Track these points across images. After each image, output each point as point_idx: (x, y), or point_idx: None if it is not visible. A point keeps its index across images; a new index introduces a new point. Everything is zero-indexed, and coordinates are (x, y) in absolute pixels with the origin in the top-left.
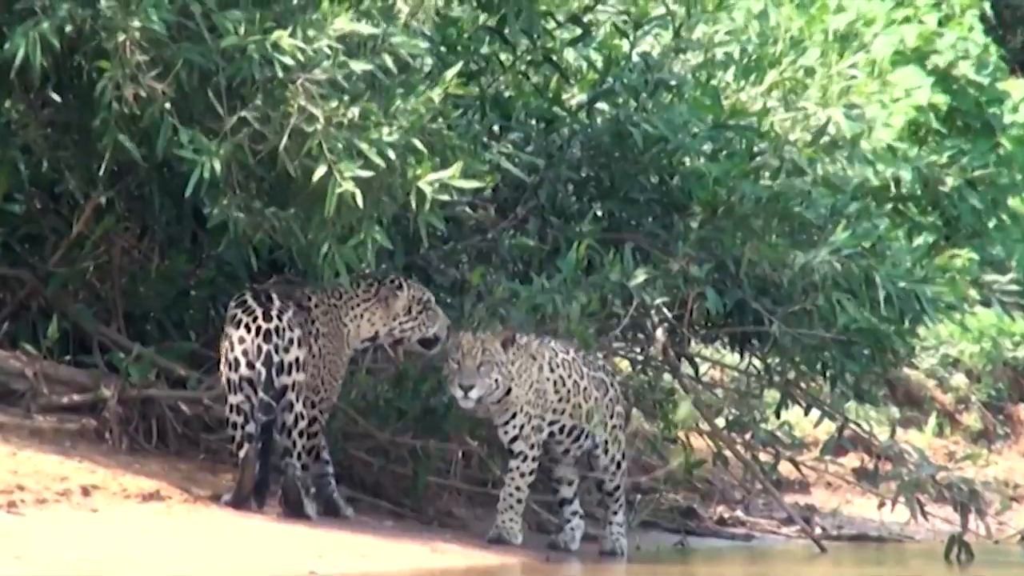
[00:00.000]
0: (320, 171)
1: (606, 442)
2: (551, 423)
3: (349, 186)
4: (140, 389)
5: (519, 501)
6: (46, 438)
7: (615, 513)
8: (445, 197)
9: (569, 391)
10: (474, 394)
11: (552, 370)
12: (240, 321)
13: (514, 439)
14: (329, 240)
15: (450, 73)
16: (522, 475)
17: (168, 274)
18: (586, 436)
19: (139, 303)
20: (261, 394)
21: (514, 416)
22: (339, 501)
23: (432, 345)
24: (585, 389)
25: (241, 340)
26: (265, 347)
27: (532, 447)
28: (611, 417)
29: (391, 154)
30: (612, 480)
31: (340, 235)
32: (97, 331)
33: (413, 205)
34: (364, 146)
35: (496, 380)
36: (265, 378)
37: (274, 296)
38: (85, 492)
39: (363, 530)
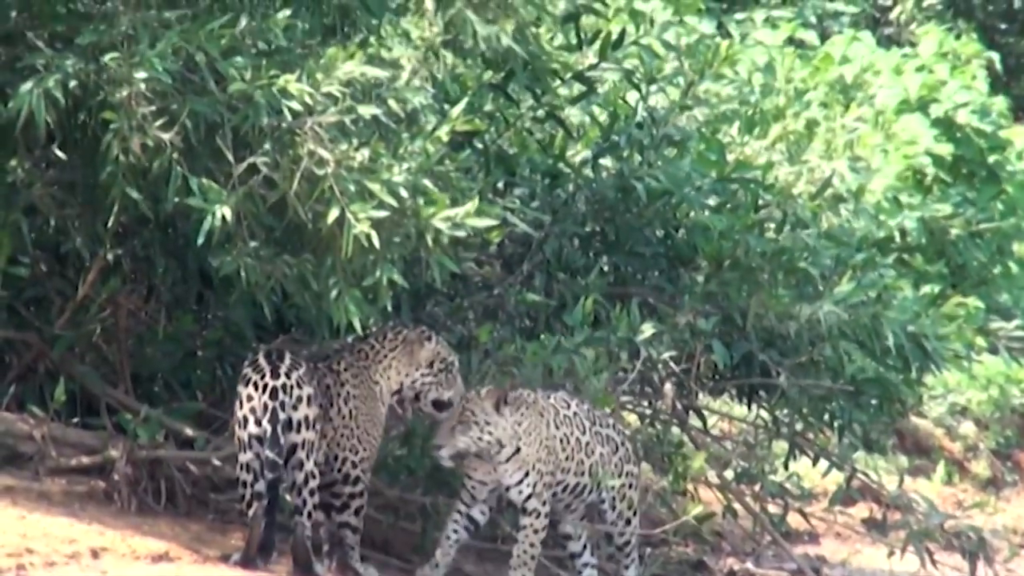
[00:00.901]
0: (333, 214)
1: (613, 498)
2: (558, 482)
3: (364, 227)
4: (148, 450)
5: (532, 558)
6: (54, 500)
7: (626, 568)
8: (460, 234)
9: (573, 448)
10: (444, 453)
11: (557, 427)
12: (249, 379)
13: (528, 497)
14: (340, 285)
15: (456, 110)
16: (535, 532)
17: (174, 335)
18: (590, 491)
19: (146, 364)
20: (266, 451)
21: (527, 475)
22: (358, 565)
23: (445, 409)
24: (588, 444)
25: (249, 398)
26: (271, 404)
27: (544, 503)
28: (620, 475)
29: (403, 193)
30: (621, 535)
31: (352, 280)
32: (104, 393)
33: (429, 243)
34: (375, 187)
35: (479, 439)
36: (271, 435)
37: (286, 355)
38: (94, 554)
39: None
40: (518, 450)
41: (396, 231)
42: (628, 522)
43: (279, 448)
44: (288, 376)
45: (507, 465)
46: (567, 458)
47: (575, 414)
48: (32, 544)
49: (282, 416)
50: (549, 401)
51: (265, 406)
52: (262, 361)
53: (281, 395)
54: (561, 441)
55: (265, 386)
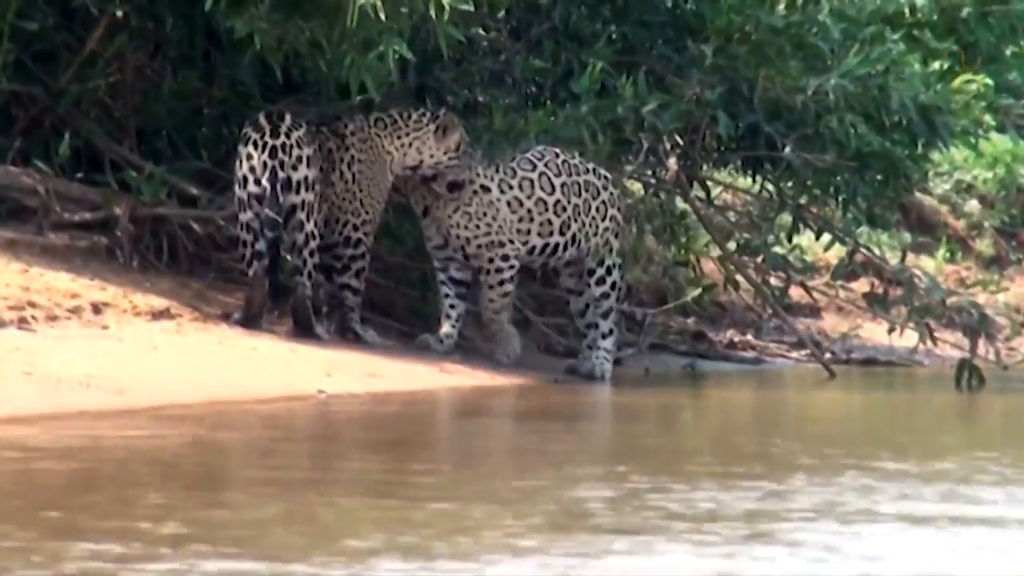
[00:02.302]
0: None
1: (598, 247)
2: (524, 244)
3: None
4: (151, 207)
5: (496, 312)
6: (57, 255)
7: (604, 336)
8: (465, 7)
9: (530, 211)
10: None
11: (503, 192)
12: (249, 138)
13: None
14: (351, 52)
15: None
16: (490, 288)
17: (180, 92)
18: (564, 248)
19: (151, 122)
20: (265, 210)
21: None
22: (358, 327)
23: (457, 189)
24: (557, 203)
25: (248, 157)
26: (271, 163)
27: (496, 261)
28: (604, 219)
29: None
30: (604, 299)
31: (361, 48)
32: (109, 149)
33: (432, 15)
34: None
35: None
36: (270, 194)
37: (287, 115)
38: (95, 309)
39: (372, 351)
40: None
41: (403, 3)
42: (613, 285)
43: (278, 207)
44: (288, 136)
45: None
46: (520, 219)
47: (540, 174)
48: (34, 298)
49: (281, 175)
50: (508, 165)
51: (264, 164)
52: (263, 120)
53: (280, 154)
54: (510, 204)
55: (265, 145)
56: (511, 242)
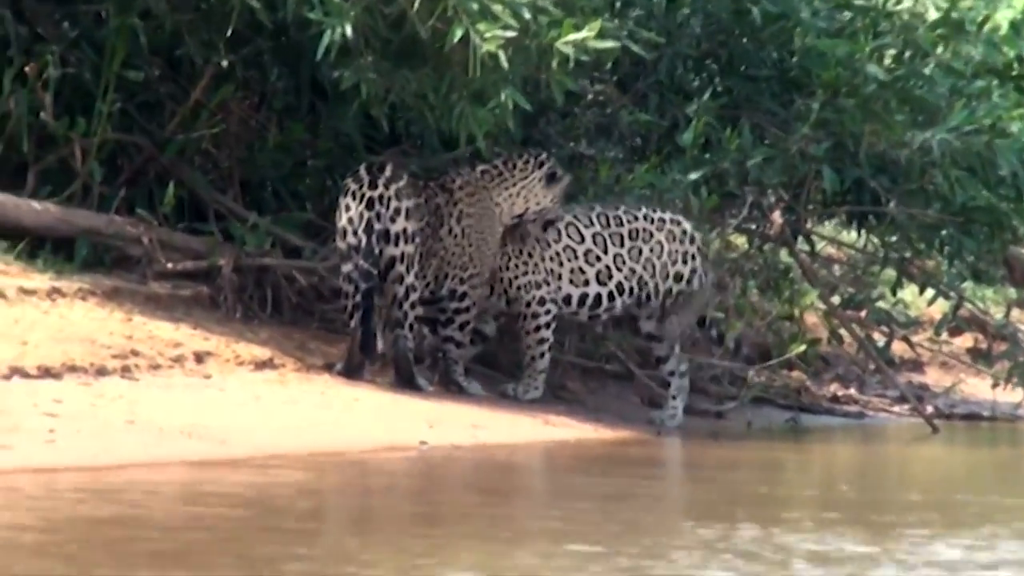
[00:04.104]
0: (458, 33)
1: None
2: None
3: (491, 47)
4: (255, 257)
5: (536, 370)
6: (161, 304)
7: (673, 394)
8: (584, 58)
9: (562, 260)
10: None
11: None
12: (349, 190)
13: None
14: (462, 103)
15: None
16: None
17: (285, 144)
18: (610, 300)
19: (256, 172)
20: (360, 260)
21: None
22: (461, 379)
23: (551, 227)
24: (588, 252)
25: (347, 208)
26: (367, 215)
27: (538, 314)
28: (653, 275)
29: (526, 14)
30: (669, 352)
31: (472, 98)
32: (213, 199)
33: (553, 65)
34: (498, 7)
35: None
36: (365, 245)
37: (387, 166)
38: (198, 359)
39: (475, 402)
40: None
41: (520, 52)
42: (672, 346)
43: (373, 258)
44: (386, 187)
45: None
46: (548, 271)
47: (567, 224)
48: (137, 346)
49: (377, 227)
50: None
51: (361, 216)
52: (363, 172)
53: (377, 206)
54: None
55: (363, 196)
56: (547, 283)
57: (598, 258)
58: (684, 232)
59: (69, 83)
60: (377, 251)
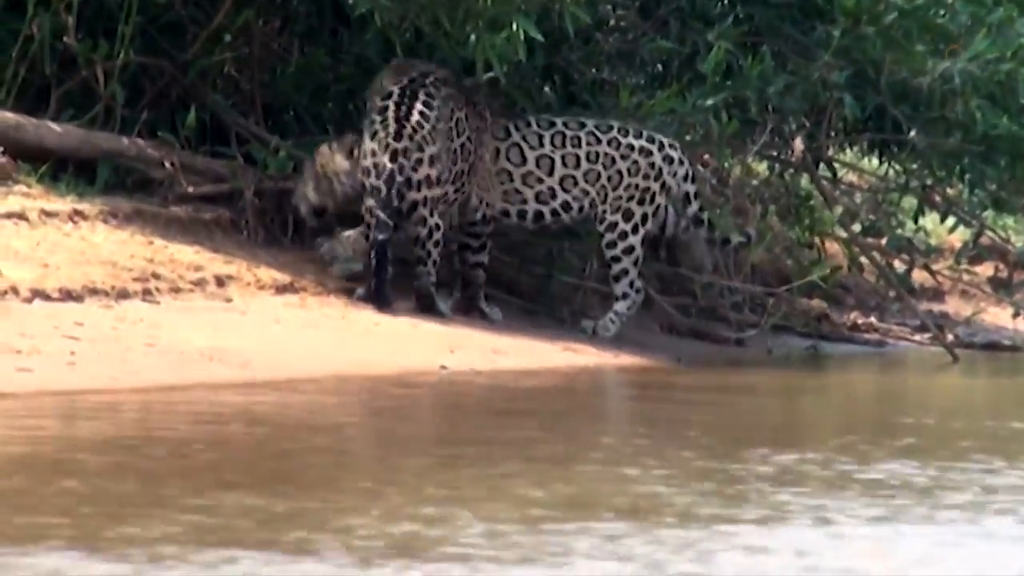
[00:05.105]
0: None
1: (604, 212)
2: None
3: None
4: (277, 181)
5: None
6: (182, 228)
7: (617, 299)
8: None
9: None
10: (301, 208)
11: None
12: (375, 133)
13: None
14: (478, 31)
15: None
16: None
17: (307, 68)
18: (565, 210)
19: (278, 96)
20: (379, 211)
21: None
22: (483, 305)
23: None
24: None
25: (373, 153)
26: (390, 167)
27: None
28: (614, 188)
29: None
30: (615, 263)
31: (487, 27)
32: (235, 122)
33: None
34: None
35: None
36: (384, 196)
37: (420, 95)
38: (219, 282)
39: (495, 328)
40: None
41: None
42: (628, 248)
43: (391, 209)
44: (411, 138)
45: None
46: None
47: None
48: (158, 269)
49: (399, 179)
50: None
51: (384, 166)
52: (391, 110)
53: (400, 159)
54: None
55: (387, 146)
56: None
57: (540, 180)
58: (652, 165)
59: (91, 5)
60: (396, 202)
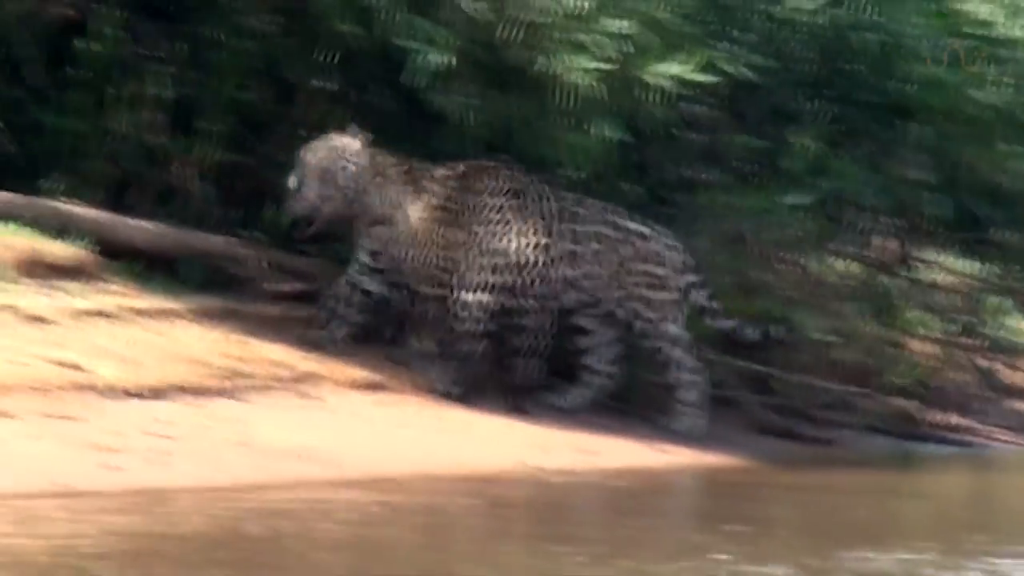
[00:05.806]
0: (555, 63)
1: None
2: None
3: (589, 78)
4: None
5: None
6: (273, 326)
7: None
8: (682, 91)
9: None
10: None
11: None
12: (517, 229)
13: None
14: (560, 130)
15: None
16: None
17: None
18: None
19: None
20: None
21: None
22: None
23: None
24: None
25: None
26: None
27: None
28: (629, 274)
29: (619, 46)
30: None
31: (570, 126)
32: None
33: (647, 97)
34: (587, 38)
35: None
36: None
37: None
38: (310, 380)
39: (588, 428)
40: None
41: (617, 84)
42: (673, 339)
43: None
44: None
45: None
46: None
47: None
48: (248, 368)
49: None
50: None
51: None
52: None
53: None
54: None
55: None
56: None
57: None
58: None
59: (182, 104)
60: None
